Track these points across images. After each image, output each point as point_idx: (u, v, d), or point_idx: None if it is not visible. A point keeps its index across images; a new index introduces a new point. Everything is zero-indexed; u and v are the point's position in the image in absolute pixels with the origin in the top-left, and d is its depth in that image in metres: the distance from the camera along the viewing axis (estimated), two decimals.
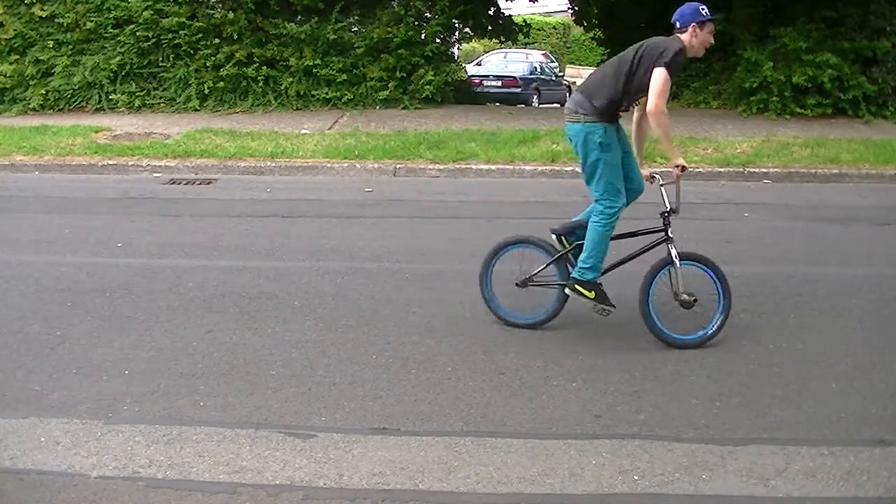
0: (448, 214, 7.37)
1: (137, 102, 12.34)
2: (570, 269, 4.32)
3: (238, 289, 5.10)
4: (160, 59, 12.38)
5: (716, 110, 12.36)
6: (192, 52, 12.33)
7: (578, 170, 10.01)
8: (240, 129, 10.95)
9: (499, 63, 22.22)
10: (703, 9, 4.12)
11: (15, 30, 12.31)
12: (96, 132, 10.77)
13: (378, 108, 12.42)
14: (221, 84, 12.25)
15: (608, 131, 4.11)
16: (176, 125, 11.32)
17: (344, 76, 12.37)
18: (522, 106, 17.82)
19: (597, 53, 20.77)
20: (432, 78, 12.51)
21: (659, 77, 3.96)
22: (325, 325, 4.51)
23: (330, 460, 3.07)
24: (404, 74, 12.56)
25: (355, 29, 12.87)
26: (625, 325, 4.41)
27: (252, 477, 2.96)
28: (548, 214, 7.36)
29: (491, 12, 14.80)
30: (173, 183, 8.88)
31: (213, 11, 12.50)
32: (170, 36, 12.20)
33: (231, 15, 12.23)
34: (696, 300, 4.16)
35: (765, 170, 9.15)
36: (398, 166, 9.43)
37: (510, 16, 15.43)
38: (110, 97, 12.35)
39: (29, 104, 12.31)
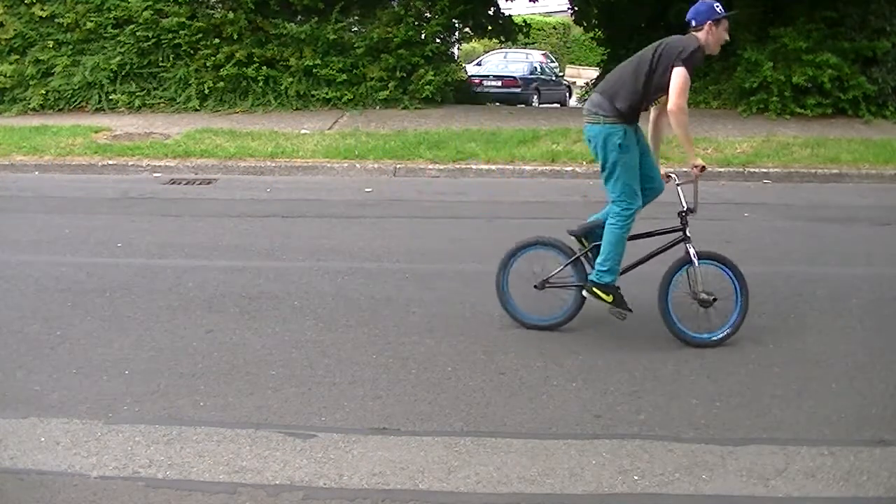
0: (448, 214, 7.37)
1: (137, 102, 12.33)
2: (587, 270, 4.31)
3: (238, 289, 5.10)
4: (160, 59, 12.38)
5: (716, 110, 12.36)
6: (192, 52, 12.32)
7: (579, 170, 10.04)
8: (240, 129, 10.95)
9: (499, 63, 22.21)
10: (717, 6, 4.13)
11: (15, 30, 12.31)
12: (96, 132, 10.77)
13: (378, 108, 12.42)
14: (221, 84, 12.25)
15: (628, 133, 4.11)
16: (176, 125, 11.32)
17: (344, 76, 12.37)
18: (522, 106, 17.82)
19: (597, 53, 20.75)
20: (432, 78, 12.50)
21: (679, 76, 3.97)
22: (325, 325, 4.51)
23: (330, 460, 3.07)
24: (404, 74, 12.55)
25: (355, 29, 12.87)
26: (625, 325, 4.40)
27: (252, 477, 2.96)
28: (548, 214, 7.38)
29: (491, 12, 14.79)
30: (173, 183, 8.88)
31: (213, 11, 12.50)
32: (170, 36, 12.20)
33: (231, 15, 12.22)
34: (715, 299, 4.18)
35: (765, 170, 9.15)
36: (398, 166, 9.43)
37: (510, 16, 15.42)
38: (110, 97, 12.35)
39: (29, 104, 12.31)
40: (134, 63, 12.32)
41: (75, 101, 12.40)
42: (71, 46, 12.36)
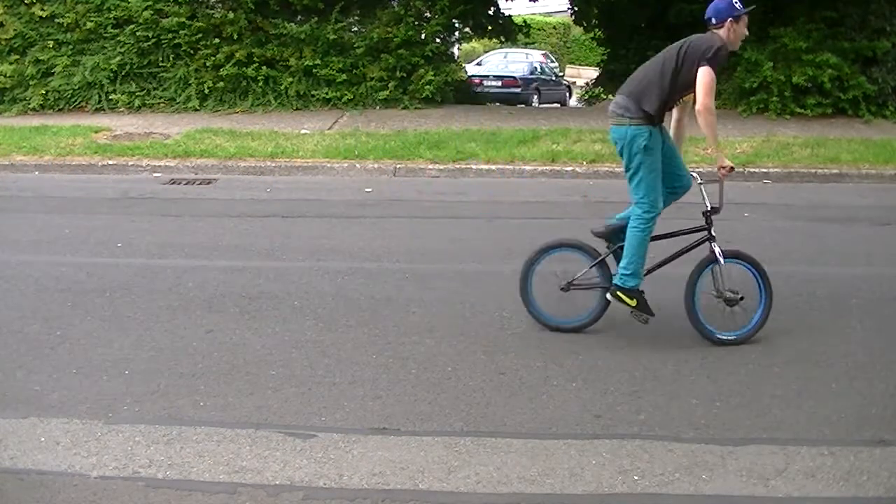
0: (448, 214, 7.37)
1: (137, 102, 12.33)
2: (612, 271, 4.30)
3: (238, 289, 5.10)
4: (160, 59, 12.38)
5: (716, 110, 12.35)
6: (192, 52, 12.32)
7: (579, 170, 10.04)
8: (240, 129, 10.95)
9: (499, 63, 22.21)
10: (737, 3, 4.14)
11: (15, 30, 12.31)
12: (96, 132, 10.76)
13: (378, 108, 12.42)
14: (221, 84, 12.25)
15: (653, 134, 4.10)
16: (176, 125, 11.32)
17: (344, 76, 12.37)
18: (522, 106, 17.82)
19: (597, 53, 20.74)
20: (432, 78, 12.50)
21: (705, 75, 3.97)
22: (325, 325, 4.51)
23: (330, 460, 3.07)
24: (404, 74, 12.55)
25: (355, 29, 12.87)
26: (625, 325, 4.41)
27: (252, 477, 2.96)
28: (548, 214, 7.38)
29: (491, 12, 14.79)
30: (173, 183, 8.88)
31: (213, 11, 12.50)
32: (170, 36, 12.20)
33: (231, 15, 12.22)
34: (742, 297, 4.21)
35: (765, 170, 9.15)
36: (398, 166, 9.42)
37: (510, 16, 15.42)
38: (110, 97, 12.35)
39: (29, 104, 12.31)
40: (134, 63, 12.32)
41: (75, 101, 12.40)
42: (71, 46, 12.35)
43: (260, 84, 12.33)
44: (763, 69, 11.50)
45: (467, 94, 14.94)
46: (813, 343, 4.30)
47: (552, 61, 26.17)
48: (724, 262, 4.19)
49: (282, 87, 12.35)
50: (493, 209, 7.56)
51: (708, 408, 3.54)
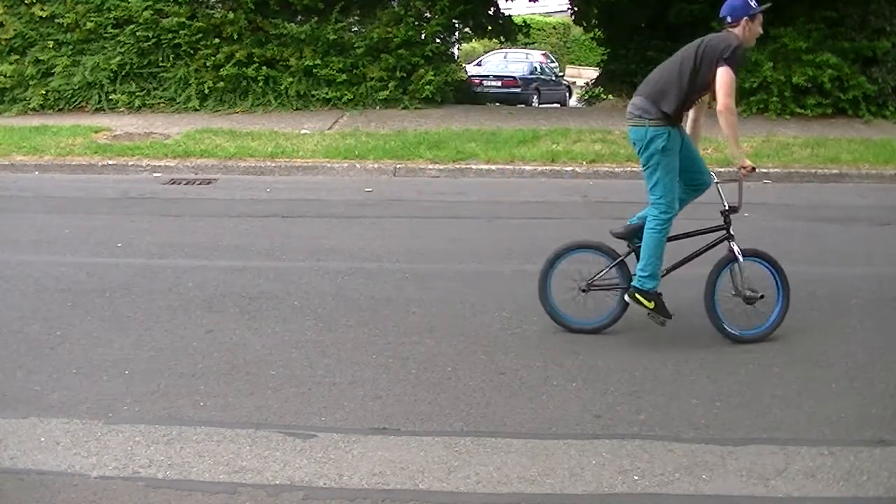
0: (448, 214, 7.37)
1: (137, 102, 12.34)
2: (632, 271, 4.29)
3: (238, 289, 5.10)
4: (160, 59, 12.38)
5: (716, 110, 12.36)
6: (192, 52, 12.33)
7: (579, 170, 10.03)
8: (240, 129, 10.95)
9: (499, 63, 22.22)
10: (752, 1, 4.14)
11: (15, 30, 12.31)
12: (96, 132, 10.76)
13: (378, 108, 12.42)
14: (221, 84, 12.25)
15: (672, 135, 4.10)
16: (176, 125, 11.32)
17: (344, 76, 12.37)
18: (522, 106, 17.82)
19: (597, 53, 20.76)
20: (432, 78, 12.51)
21: (724, 75, 3.98)
22: (325, 325, 4.51)
23: (330, 460, 3.07)
24: (404, 74, 12.56)
25: (355, 29, 12.88)
26: (626, 325, 4.41)
27: (252, 477, 2.96)
28: (548, 214, 7.38)
29: (491, 12, 14.80)
30: (173, 183, 8.88)
31: (213, 11, 12.50)
32: (170, 36, 12.20)
33: (231, 15, 12.23)
34: (762, 296, 4.24)
35: (765, 170, 9.14)
36: (398, 166, 9.42)
37: (510, 16, 15.42)
38: (110, 97, 12.35)
39: (29, 104, 12.31)
40: (134, 63, 12.32)
41: (75, 101, 12.41)
42: (71, 46, 12.36)
43: (260, 84, 12.34)
44: (763, 69, 11.50)
45: (467, 94, 14.95)
46: (813, 343, 4.30)
47: (552, 61, 26.18)
48: (743, 261, 4.22)
49: (282, 87, 12.36)
50: (493, 209, 7.56)
51: (708, 408, 3.54)
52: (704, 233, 4.35)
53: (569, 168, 9.32)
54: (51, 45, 12.32)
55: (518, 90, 19.68)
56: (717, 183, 4.28)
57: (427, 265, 5.68)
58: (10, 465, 3.02)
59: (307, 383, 3.77)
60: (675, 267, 4.33)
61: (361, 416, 3.44)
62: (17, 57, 12.38)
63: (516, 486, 2.92)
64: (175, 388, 3.70)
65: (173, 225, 6.90)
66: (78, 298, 4.91)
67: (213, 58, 12.20)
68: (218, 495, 2.84)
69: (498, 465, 3.05)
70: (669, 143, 4.09)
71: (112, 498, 2.83)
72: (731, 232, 4.25)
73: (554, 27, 33.64)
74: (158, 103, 12.41)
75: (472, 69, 20.34)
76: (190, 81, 12.34)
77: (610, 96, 16.20)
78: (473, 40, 19.38)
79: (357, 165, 9.44)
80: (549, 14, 30.98)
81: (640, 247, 4.23)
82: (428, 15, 13.01)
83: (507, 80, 19.81)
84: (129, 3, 12.17)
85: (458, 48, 19.07)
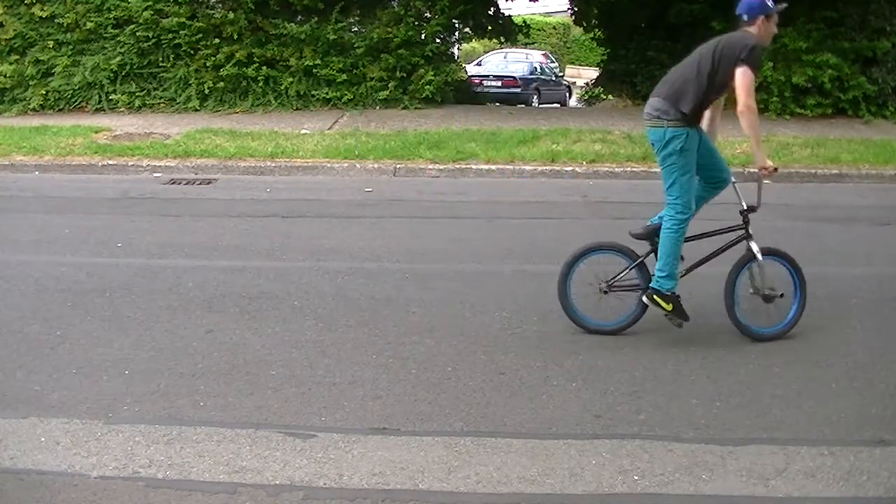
0: (448, 214, 7.38)
1: (137, 102, 12.34)
2: (650, 272, 4.29)
3: (238, 289, 5.10)
4: (160, 59, 12.38)
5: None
6: (192, 52, 12.33)
7: (579, 170, 10.03)
8: (240, 129, 10.94)
9: (499, 63, 22.22)
10: (769, 0, 4.14)
11: (15, 30, 12.31)
12: (96, 132, 10.76)
13: (378, 108, 12.42)
14: (221, 84, 12.25)
15: (690, 136, 4.11)
16: (176, 125, 11.32)
17: (344, 76, 12.37)
18: (522, 106, 17.83)
19: (597, 53, 20.75)
20: (432, 78, 12.51)
21: (744, 76, 3.98)
22: (325, 325, 4.51)
23: (330, 460, 3.07)
24: (404, 74, 12.56)
25: (355, 29, 12.88)
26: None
27: (252, 477, 2.96)
28: (548, 214, 7.38)
29: (491, 12, 14.80)
30: (173, 183, 8.88)
31: (213, 11, 12.50)
32: (170, 36, 12.20)
33: (231, 15, 12.23)
34: (782, 295, 4.27)
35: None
36: (398, 166, 9.42)
37: (510, 16, 15.43)
38: (110, 97, 12.35)
39: (29, 104, 12.31)
40: (134, 63, 12.32)
41: (75, 101, 12.40)
42: (71, 46, 12.36)
43: (260, 84, 12.34)
44: (763, 69, 11.49)
45: (467, 94, 14.95)
46: (813, 343, 4.30)
47: (552, 61, 26.18)
48: (763, 259, 4.24)
49: (282, 87, 12.36)
50: (493, 209, 7.56)
51: (708, 408, 3.54)
52: (723, 232, 4.37)
53: (569, 168, 9.32)
54: (51, 45, 12.32)
55: (518, 90, 19.68)
56: (734, 183, 4.30)
57: (427, 265, 5.68)
58: (10, 465, 3.02)
59: (307, 383, 3.77)
60: (694, 267, 4.35)
61: (361, 416, 3.44)
62: (17, 57, 12.37)
63: (516, 486, 2.92)
64: (175, 388, 3.70)
65: (173, 225, 6.90)
66: (78, 298, 4.91)
67: (213, 58, 12.19)
68: (218, 495, 2.84)
69: (498, 465, 3.04)
70: (687, 144, 4.09)
71: (112, 498, 2.83)
72: (750, 231, 4.27)
73: (554, 27, 33.64)
74: (158, 103, 12.41)
75: (472, 69, 20.34)
76: (190, 81, 12.34)
77: (610, 96, 16.21)
78: (473, 40, 19.38)
79: (357, 165, 9.44)
80: (549, 14, 30.99)
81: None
82: (428, 15, 13.02)
83: (507, 80, 19.81)
84: (129, 3, 12.17)
85: (458, 48, 19.07)
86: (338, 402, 3.57)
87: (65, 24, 12.28)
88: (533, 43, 27.74)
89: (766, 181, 4.31)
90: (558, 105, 20.80)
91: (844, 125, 11.38)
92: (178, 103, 12.33)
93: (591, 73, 22.12)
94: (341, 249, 6.05)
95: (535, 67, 21.88)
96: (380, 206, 7.67)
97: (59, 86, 12.27)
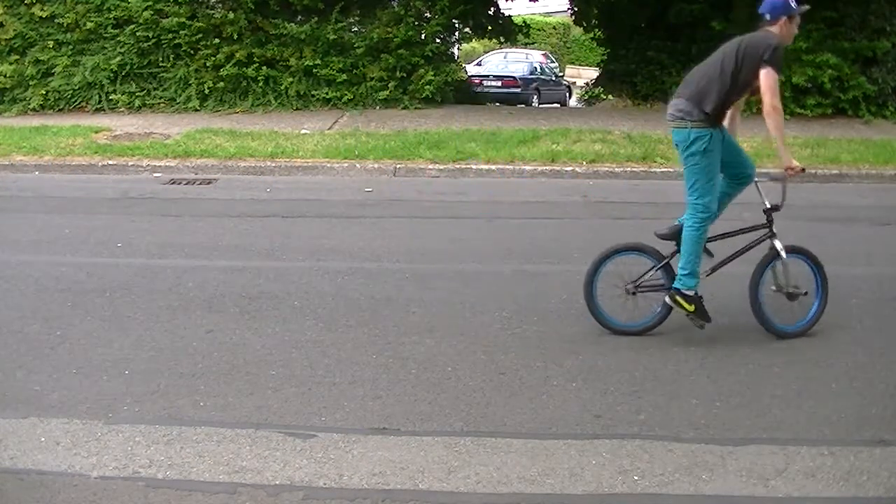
0: (448, 214, 7.38)
1: (137, 102, 12.34)
2: (675, 272, 4.30)
3: (238, 289, 5.10)
4: (160, 59, 12.39)
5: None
6: (192, 52, 12.33)
7: (579, 170, 10.02)
8: (240, 129, 10.95)
9: (499, 63, 22.22)
10: (792, 1, 4.14)
11: (15, 30, 12.31)
12: (96, 132, 10.76)
13: (378, 108, 12.42)
14: (221, 84, 12.26)
15: (713, 136, 4.12)
16: (176, 125, 11.32)
17: (344, 76, 12.38)
18: (522, 106, 17.83)
19: (597, 53, 20.76)
20: (432, 78, 12.52)
21: (769, 77, 4.00)
22: (325, 325, 4.51)
23: (330, 460, 3.07)
24: (404, 74, 12.56)
25: (355, 29, 12.88)
26: None
27: (252, 477, 2.96)
28: (548, 214, 7.38)
29: (491, 12, 14.81)
30: (173, 183, 8.88)
31: (213, 11, 12.51)
32: (170, 36, 12.21)
33: (231, 15, 12.23)
34: (806, 293, 4.33)
35: (765, 170, 9.12)
36: (398, 166, 9.42)
37: (510, 16, 15.43)
38: (110, 97, 12.35)
39: (29, 104, 12.31)
40: (134, 63, 12.33)
41: (75, 101, 12.41)
42: (71, 46, 12.36)
43: (260, 84, 12.34)
44: None
45: (467, 94, 14.96)
46: (813, 343, 4.30)
47: (552, 61, 26.18)
48: (787, 257, 4.28)
49: (282, 87, 12.36)
50: (493, 209, 7.56)
51: (708, 408, 3.54)
52: (747, 231, 4.40)
53: (569, 168, 9.32)
54: (51, 45, 12.32)
55: (518, 90, 19.68)
56: (757, 181, 4.32)
57: (427, 265, 5.68)
58: (10, 465, 3.02)
59: (307, 383, 3.77)
60: (718, 266, 4.37)
61: (361, 416, 3.44)
62: (17, 57, 12.38)
63: (516, 486, 2.92)
64: (175, 388, 3.70)
65: (173, 225, 6.90)
66: (78, 298, 4.91)
67: (213, 58, 12.20)
68: (218, 495, 2.84)
69: (498, 465, 3.04)
70: (711, 145, 4.11)
71: (112, 498, 2.83)
72: (774, 230, 4.31)
73: (554, 27, 33.63)
74: (158, 103, 12.41)
75: (472, 69, 20.34)
76: (190, 81, 12.34)
77: (610, 96, 16.22)
78: (473, 40, 19.40)
79: (357, 165, 9.44)
80: (549, 14, 30.99)
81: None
82: (428, 15, 13.02)
83: (507, 80, 19.81)
84: (129, 3, 12.17)
85: (458, 48, 19.08)
86: (338, 402, 3.57)
87: (65, 24, 12.29)
88: (533, 43, 27.74)
89: (790, 181, 4.35)
90: (558, 105, 20.80)
91: (844, 125, 11.38)
92: (178, 103, 12.33)
93: (591, 73, 22.13)
94: (341, 249, 6.05)
95: (535, 67, 21.88)
96: (380, 206, 7.67)
97: (59, 86, 12.27)
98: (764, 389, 3.73)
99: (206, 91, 12.31)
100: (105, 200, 7.85)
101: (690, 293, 4.19)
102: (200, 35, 12.24)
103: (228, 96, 12.40)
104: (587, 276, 4.34)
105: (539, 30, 30.69)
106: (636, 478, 2.97)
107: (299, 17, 12.69)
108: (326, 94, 12.41)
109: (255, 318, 4.60)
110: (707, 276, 4.32)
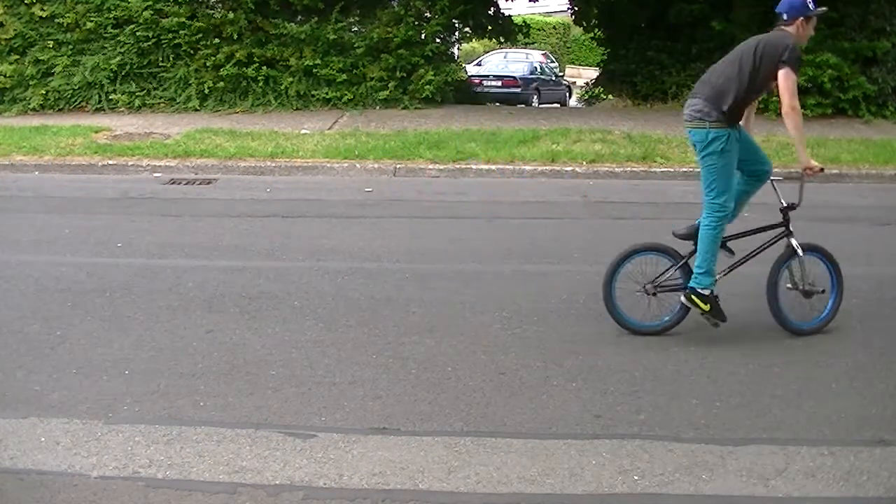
0: (448, 214, 7.38)
1: (137, 102, 12.34)
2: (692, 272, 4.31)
3: (238, 289, 5.10)
4: (160, 59, 12.38)
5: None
6: (192, 52, 12.33)
7: (579, 170, 10.03)
8: (240, 129, 10.95)
9: (499, 63, 22.22)
10: (810, 2, 4.15)
11: (15, 30, 12.31)
12: (96, 132, 10.76)
13: (378, 108, 12.42)
14: (221, 84, 12.25)
15: (731, 136, 4.12)
16: (176, 125, 11.32)
17: (344, 76, 12.38)
18: (522, 106, 17.83)
19: (597, 53, 20.77)
20: (432, 78, 12.51)
21: (787, 77, 3.99)
22: (325, 325, 4.51)
23: (330, 460, 3.07)
24: (404, 74, 12.56)
25: (355, 29, 12.88)
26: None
27: (252, 477, 2.96)
28: (548, 214, 7.38)
29: (491, 12, 14.82)
30: (173, 183, 8.88)
31: (213, 11, 12.51)
32: (170, 36, 12.20)
33: (231, 15, 12.23)
34: (823, 290, 4.35)
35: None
36: (398, 166, 9.42)
37: (510, 16, 15.44)
38: (110, 97, 12.35)
39: (29, 104, 12.30)
40: (134, 63, 12.32)
41: (75, 101, 12.40)
42: (71, 46, 12.36)
43: (260, 84, 12.34)
44: None
45: (467, 94, 14.96)
46: (813, 343, 4.30)
47: (552, 61, 26.18)
48: (803, 255, 4.30)
49: (282, 87, 12.36)
50: (493, 209, 7.56)
51: (708, 408, 3.54)
52: (763, 230, 4.41)
53: (569, 168, 9.32)
54: (51, 45, 12.32)
55: (518, 90, 19.69)
56: (773, 181, 4.33)
57: (427, 265, 5.68)
58: (10, 465, 3.02)
59: (307, 383, 3.77)
60: (736, 265, 4.38)
61: (361, 416, 3.44)
62: (17, 57, 12.37)
63: (516, 486, 2.92)
64: (175, 388, 3.70)
65: (173, 225, 6.90)
66: (78, 298, 4.91)
67: (213, 58, 12.20)
68: (218, 495, 2.84)
69: (498, 465, 3.04)
70: (728, 145, 4.11)
71: (112, 498, 2.83)
72: (791, 228, 4.33)
73: (554, 27, 33.65)
74: (158, 103, 12.41)
75: (472, 69, 20.34)
76: (190, 81, 12.34)
77: (610, 96, 16.23)
78: (473, 40, 19.39)
79: (357, 165, 9.44)
80: (549, 14, 31.01)
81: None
82: (428, 15, 13.02)
83: (507, 80, 19.82)
84: (129, 3, 12.17)
85: (458, 48, 19.09)
86: (338, 402, 3.57)
87: (65, 24, 12.28)
88: (533, 43, 27.75)
89: (808, 181, 4.36)
90: (558, 105, 20.80)
91: (844, 125, 11.38)
92: (178, 103, 12.33)
93: (591, 73, 22.14)
94: (341, 249, 6.05)
95: (535, 67, 21.88)
96: (380, 206, 7.67)
97: (59, 86, 12.27)
98: (764, 389, 3.73)
99: (206, 91, 12.31)
100: (105, 200, 7.85)
101: (706, 292, 4.20)
102: (200, 35, 12.24)
103: (228, 96, 12.40)
104: (606, 276, 4.34)
105: (539, 30, 30.71)
106: (636, 478, 2.97)
107: (299, 17, 12.69)
108: (326, 94, 12.41)
109: (255, 318, 4.60)
110: (725, 275, 4.33)
